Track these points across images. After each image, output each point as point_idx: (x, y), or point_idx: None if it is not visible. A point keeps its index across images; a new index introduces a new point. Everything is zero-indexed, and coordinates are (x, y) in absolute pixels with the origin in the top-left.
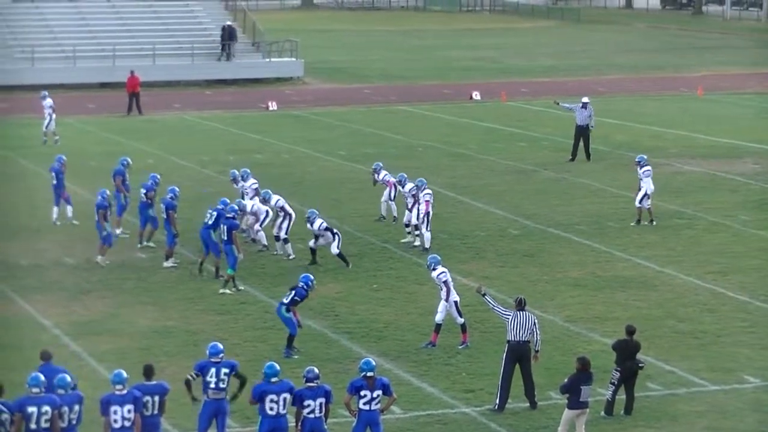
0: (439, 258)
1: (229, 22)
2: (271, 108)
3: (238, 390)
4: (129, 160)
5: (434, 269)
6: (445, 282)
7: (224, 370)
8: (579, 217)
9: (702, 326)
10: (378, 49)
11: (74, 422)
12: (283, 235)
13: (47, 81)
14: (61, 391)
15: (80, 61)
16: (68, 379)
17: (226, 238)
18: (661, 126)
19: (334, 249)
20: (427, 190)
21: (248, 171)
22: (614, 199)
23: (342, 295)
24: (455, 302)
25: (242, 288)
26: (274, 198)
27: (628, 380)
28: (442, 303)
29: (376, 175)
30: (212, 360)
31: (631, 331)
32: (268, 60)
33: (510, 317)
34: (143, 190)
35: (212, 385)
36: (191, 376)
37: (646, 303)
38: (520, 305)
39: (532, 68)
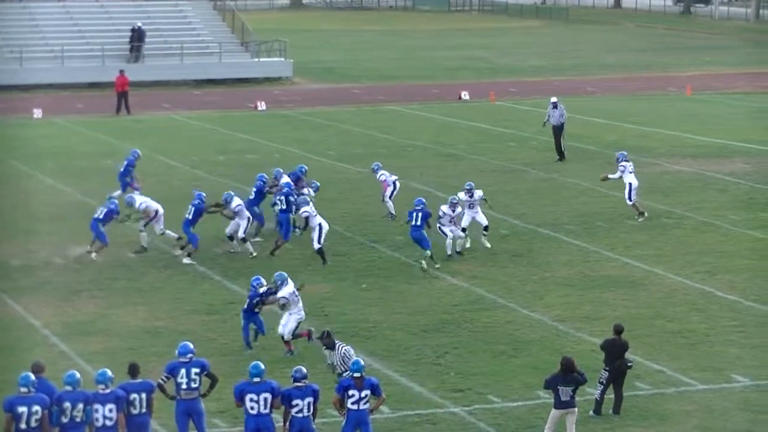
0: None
1: (139, 24)
2: (259, 108)
3: (207, 389)
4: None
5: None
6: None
7: (194, 370)
8: (568, 216)
9: (691, 326)
10: (367, 49)
11: (77, 420)
12: (240, 234)
13: (36, 81)
14: (68, 388)
15: (69, 60)
16: (77, 376)
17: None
18: (650, 126)
19: (316, 244)
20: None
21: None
22: (603, 198)
23: (331, 294)
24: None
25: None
26: (236, 201)
27: (617, 379)
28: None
29: (375, 175)
30: (181, 360)
31: (619, 330)
32: (257, 60)
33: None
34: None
35: (183, 386)
36: (162, 379)
37: (635, 303)
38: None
39: (521, 68)
